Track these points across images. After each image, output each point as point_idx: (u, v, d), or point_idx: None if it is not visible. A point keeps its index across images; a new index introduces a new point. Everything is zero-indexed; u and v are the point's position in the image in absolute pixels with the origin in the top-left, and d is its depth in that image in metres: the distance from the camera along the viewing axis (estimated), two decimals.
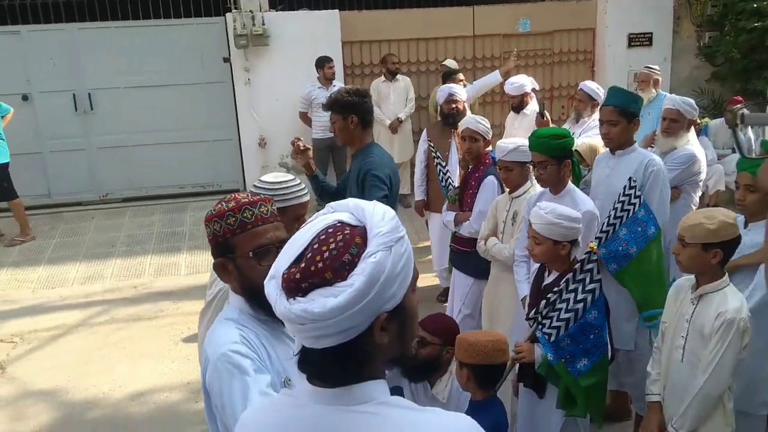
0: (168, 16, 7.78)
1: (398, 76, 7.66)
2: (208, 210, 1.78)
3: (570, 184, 3.28)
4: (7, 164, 6.79)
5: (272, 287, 1.05)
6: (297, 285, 1.01)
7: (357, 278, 0.99)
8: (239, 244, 1.69)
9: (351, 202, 1.11)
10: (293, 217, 2.45)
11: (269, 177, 2.50)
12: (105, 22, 7.68)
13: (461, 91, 5.21)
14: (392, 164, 3.68)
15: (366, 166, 3.41)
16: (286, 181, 2.47)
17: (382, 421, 1.05)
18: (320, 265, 1.00)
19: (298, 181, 2.51)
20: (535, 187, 3.56)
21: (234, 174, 8.21)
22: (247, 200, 1.73)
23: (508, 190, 3.58)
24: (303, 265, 1.02)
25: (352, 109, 3.44)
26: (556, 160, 3.15)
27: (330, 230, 1.04)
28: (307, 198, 2.53)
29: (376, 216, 1.06)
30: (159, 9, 7.72)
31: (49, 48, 7.56)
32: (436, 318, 2.75)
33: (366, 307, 1.00)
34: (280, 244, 1.61)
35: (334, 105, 3.50)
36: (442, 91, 5.21)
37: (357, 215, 1.07)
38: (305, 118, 7.61)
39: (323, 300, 0.98)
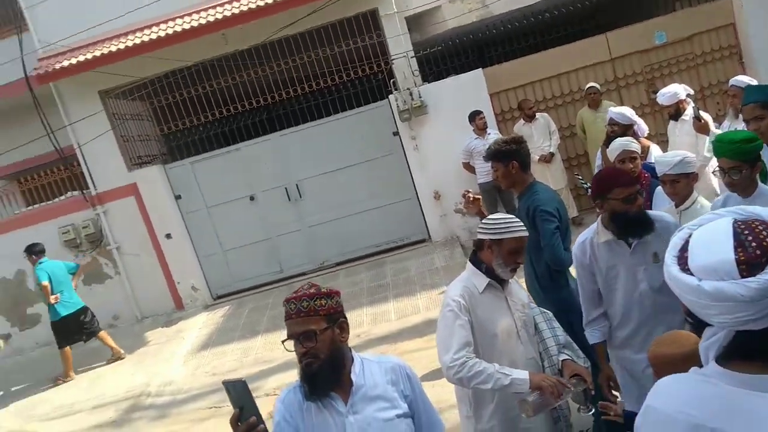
0: (344, 109, 8.39)
1: (536, 116, 7.48)
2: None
3: (761, 185, 2.87)
4: (65, 317, 7.10)
5: (723, 284, 1.04)
6: (758, 261, 1.02)
7: None
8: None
9: (722, 210, 1.15)
10: (507, 249, 2.42)
11: (494, 216, 2.52)
12: (298, 126, 8.46)
13: (631, 115, 4.78)
14: (556, 196, 3.57)
15: (533, 203, 3.34)
16: (504, 218, 2.47)
17: None
18: (766, 242, 1.03)
19: (516, 219, 2.48)
20: (700, 198, 3.21)
21: (418, 226, 8.44)
22: (288, 296, 1.89)
23: (674, 202, 3.26)
24: (754, 244, 1.04)
25: (512, 156, 3.41)
26: (749, 164, 2.77)
27: (740, 222, 1.08)
28: (522, 234, 2.45)
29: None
30: (336, 106, 8.37)
31: (262, 155, 8.47)
32: None
33: None
34: (298, 336, 1.80)
35: (494, 155, 3.49)
36: (611, 112, 4.90)
37: (744, 212, 1.11)
38: (468, 167, 7.67)
39: None
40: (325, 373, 1.82)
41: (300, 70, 8.07)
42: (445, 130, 7.89)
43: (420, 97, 7.82)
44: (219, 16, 7.45)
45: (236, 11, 7.42)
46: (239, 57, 8.05)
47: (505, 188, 3.70)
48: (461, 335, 2.37)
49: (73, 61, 7.62)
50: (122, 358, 7.45)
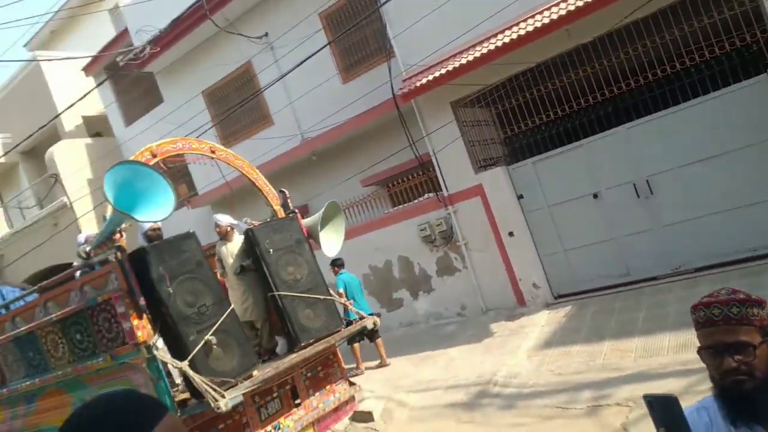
0: (705, 92, 7.17)
1: None
2: None
3: None
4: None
5: None
6: None
7: None
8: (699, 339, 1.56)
9: None
10: None
11: None
12: (648, 116, 7.58)
13: None
14: None
15: None
16: None
17: None
18: None
19: None
20: None
21: None
22: (708, 300, 1.54)
23: None
24: None
25: None
26: None
27: None
28: None
29: None
30: (697, 89, 7.21)
31: (606, 150, 7.86)
32: None
33: None
34: (726, 347, 1.45)
35: None
36: None
37: None
38: None
39: None
40: (762, 396, 1.44)
41: (650, 53, 7.21)
42: None
43: None
44: (563, 12, 7.19)
45: (580, 4, 7.05)
46: (582, 51, 7.64)
47: None
48: None
49: (430, 77, 8.40)
50: (387, 365, 8.30)
